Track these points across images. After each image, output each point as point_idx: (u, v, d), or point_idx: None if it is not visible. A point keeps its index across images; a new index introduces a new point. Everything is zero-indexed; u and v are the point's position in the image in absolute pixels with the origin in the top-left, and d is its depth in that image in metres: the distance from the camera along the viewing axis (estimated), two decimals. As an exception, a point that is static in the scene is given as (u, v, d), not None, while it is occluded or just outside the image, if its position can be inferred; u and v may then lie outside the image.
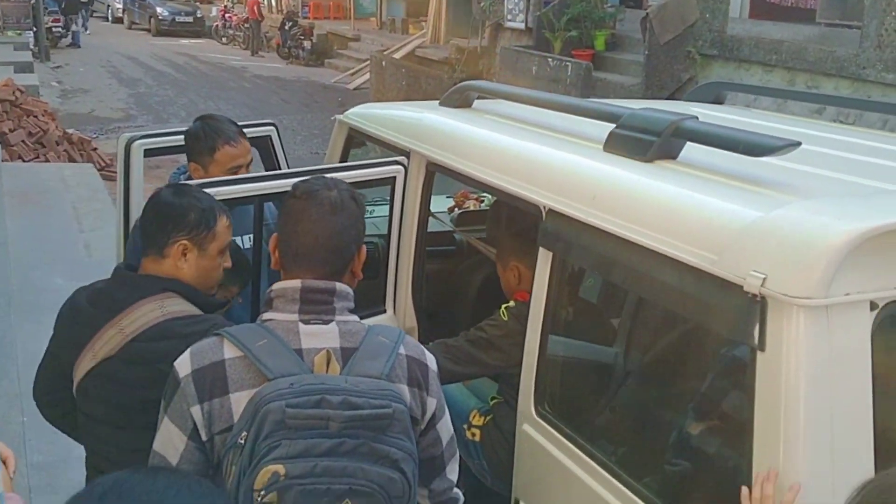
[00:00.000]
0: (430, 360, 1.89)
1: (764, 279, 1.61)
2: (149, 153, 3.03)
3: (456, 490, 2.00)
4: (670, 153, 2.17)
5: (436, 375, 1.88)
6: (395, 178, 2.83)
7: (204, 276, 2.13)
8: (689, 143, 2.16)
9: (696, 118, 2.22)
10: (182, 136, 2.95)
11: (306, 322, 1.78)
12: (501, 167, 2.52)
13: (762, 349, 1.65)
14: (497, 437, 2.73)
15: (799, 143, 1.95)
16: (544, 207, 2.28)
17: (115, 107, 15.14)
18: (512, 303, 2.69)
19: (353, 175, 2.63)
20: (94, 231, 7.22)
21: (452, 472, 1.96)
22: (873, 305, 1.65)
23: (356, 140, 3.42)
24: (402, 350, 1.81)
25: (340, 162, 3.36)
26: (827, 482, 1.65)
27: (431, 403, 1.85)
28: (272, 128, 3.48)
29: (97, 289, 2.14)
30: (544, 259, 2.31)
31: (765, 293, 1.62)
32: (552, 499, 2.35)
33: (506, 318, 2.65)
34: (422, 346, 1.92)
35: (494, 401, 2.82)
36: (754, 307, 1.65)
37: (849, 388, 1.66)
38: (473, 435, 2.82)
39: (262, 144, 3.43)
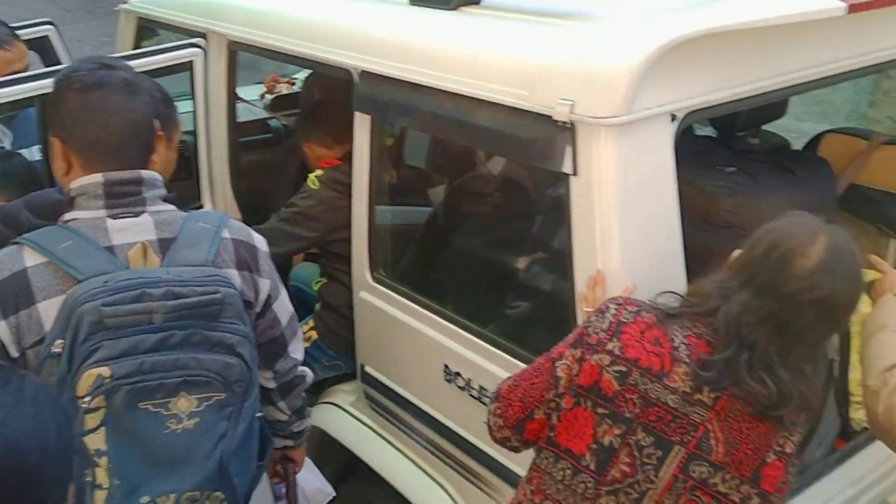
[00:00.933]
0: (259, 241, 1.84)
1: (572, 106, 1.68)
2: None
3: (303, 368, 2.01)
4: (472, -1, 2.17)
5: (266, 256, 1.84)
6: (192, 62, 2.66)
7: None
8: (487, -15, 2.17)
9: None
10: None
11: (114, 217, 1.65)
12: (308, 35, 2.43)
13: (575, 173, 1.74)
14: (332, 318, 2.74)
15: None
16: (356, 70, 2.24)
17: None
18: (319, 171, 2.65)
19: (144, 63, 2.44)
20: None
21: (296, 350, 1.97)
22: (673, 117, 1.76)
23: (147, 31, 3.16)
24: (226, 234, 1.75)
25: (131, 56, 3.11)
26: (644, 294, 1.76)
27: (265, 285, 1.81)
28: (50, 27, 3.15)
29: None
30: (362, 123, 2.29)
31: (573, 119, 1.69)
32: (398, 357, 2.44)
33: (316, 187, 2.61)
34: (248, 228, 1.86)
35: (319, 283, 2.82)
36: (565, 134, 1.72)
37: (657, 198, 1.79)
38: (308, 339, 2.78)
39: (41, 47, 3.10)
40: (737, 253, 1.58)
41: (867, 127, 4.95)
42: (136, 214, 1.67)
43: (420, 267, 2.60)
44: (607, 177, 1.71)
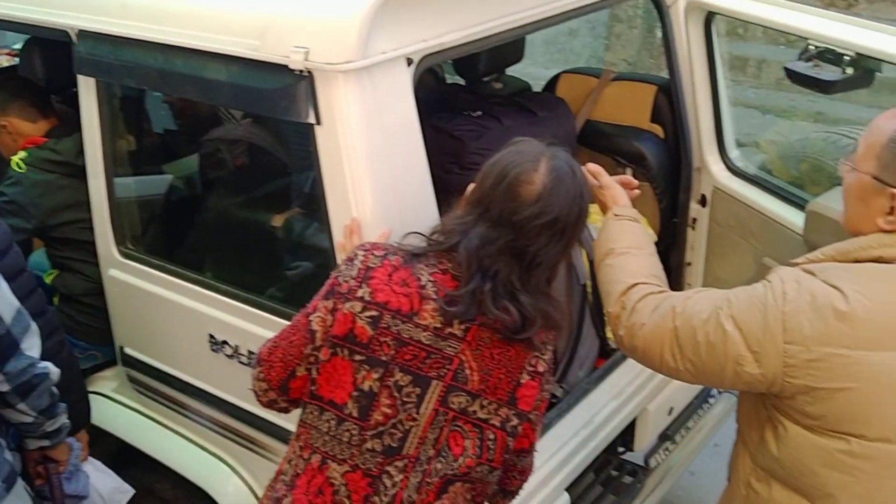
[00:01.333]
0: None
1: (306, 53, 1.64)
2: None
3: (44, 365, 1.88)
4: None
5: None
6: None
7: None
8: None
9: None
10: None
11: None
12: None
13: (319, 122, 1.70)
14: (74, 310, 2.55)
15: None
16: (73, 30, 2.05)
17: None
18: (23, 152, 2.41)
19: None
20: None
21: (32, 347, 1.85)
22: (409, 61, 1.76)
23: None
24: None
25: None
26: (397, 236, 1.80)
27: None
28: None
29: None
30: (86, 87, 2.10)
31: (309, 66, 1.65)
32: (158, 333, 2.31)
33: (23, 170, 2.37)
34: None
35: (51, 276, 2.60)
36: (303, 83, 1.68)
37: (403, 143, 1.80)
38: None
39: None
40: (471, 187, 1.60)
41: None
42: None
43: (171, 237, 2.46)
44: (351, 123, 1.69)
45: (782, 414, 1.55)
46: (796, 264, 1.58)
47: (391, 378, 1.55)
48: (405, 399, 1.55)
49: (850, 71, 1.92)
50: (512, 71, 2.93)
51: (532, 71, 3.05)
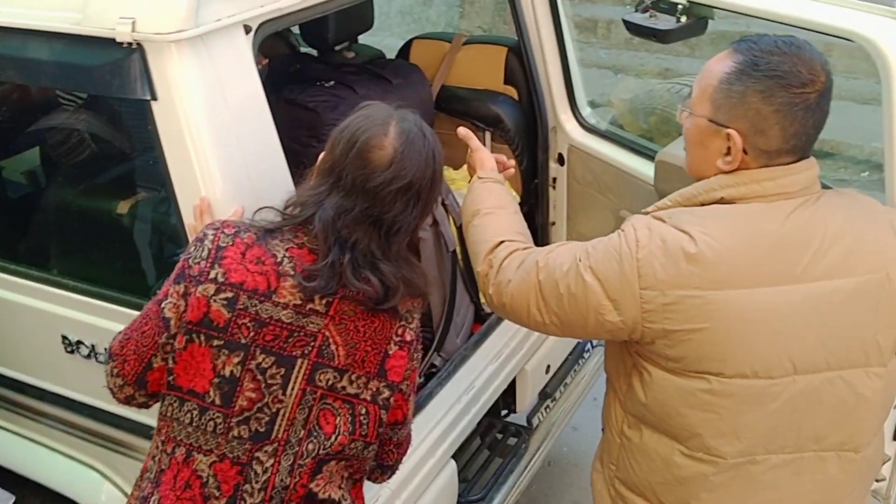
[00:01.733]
0: None
1: (133, 23, 1.55)
2: None
3: None
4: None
5: None
6: None
7: None
8: None
9: None
10: None
11: None
12: None
13: (155, 98, 1.62)
14: None
15: None
16: None
17: None
18: None
19: None
20: None
21: None
22: (247, 28, 1.70)
23: None
24: None
25: None
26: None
27: None
28: None
29: None
30: None
31: (138, 38, 1.56)
32: (7, 340, 2.18)
33: None
34: None
35: None
36: (133, 56, 1.59)
37: (249, 115, 1.73)
38: None
39: None
40: (321, 156, 1.57)
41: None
42: None
43: (10, 236, 2.30)
44: (190, 97, 1.61)
45: (645, 360, 1.58)
46: (647, 213, 1.61)
47: (253, 361, 1.49)
48: (270, 381, 1.50)
49: (684, 19, 1.97)
50: (369, 42, 2.90)
51: (389, 42, 3.03)
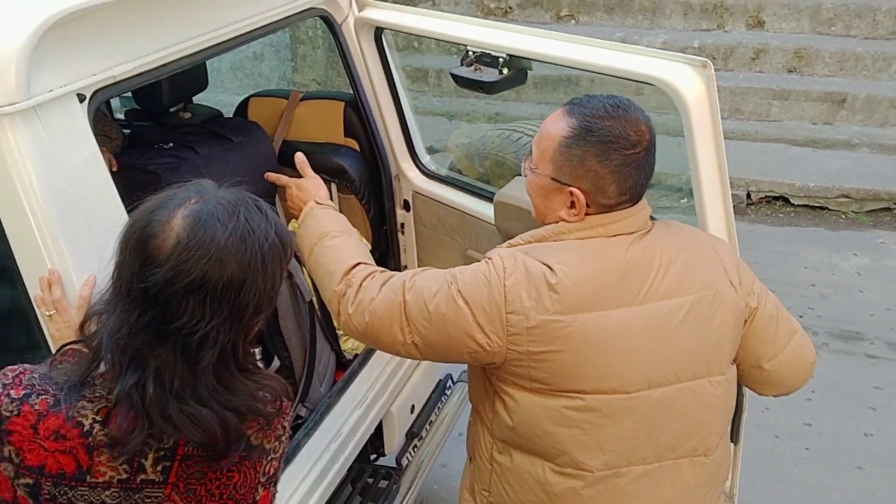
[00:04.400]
0: None
1: (-40, 97, 1.50)
2: None
3: None
4: None
5: None
6: None
7: None
8: None
9: None
10: None
11: None
12: None
13: (-12, 174, 1.57)
14: None
15: None
16: None
17: None
18: None
19: None
20: None
21: None
22: (81, 97, 1.68)
23: None
24: None
25: None
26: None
27: None
28: None
29: None
30: None
31: (-26, 110, 1.51)
32: None
33: None
34: None
35: None
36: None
37: (90, 183, 1.70)
38: None
39: None
40: None
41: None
42: None
43: None
44: (27, 168, 1.57)
45: (507, 385, 1.65)
46: (508, 246, 1.70)
47: None
48: None
49: (506, 71, 2.12)
50: (202, 99, 2.88)
51: (223, 98, 3.04)
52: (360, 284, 1.68)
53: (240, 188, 1.25)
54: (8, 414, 1.19)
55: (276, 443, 1.30)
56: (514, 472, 1.72)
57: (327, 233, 1.81)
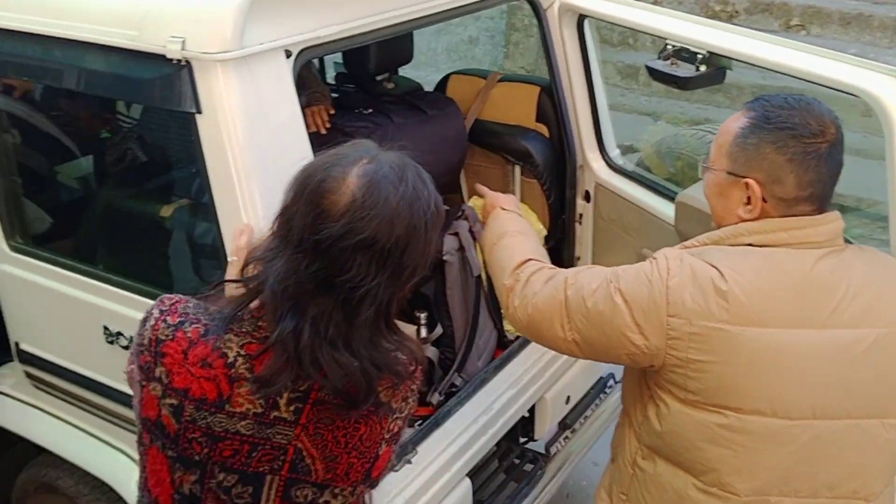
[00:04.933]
0: None
1: (183, 42, 1.68)
2: None
3: None
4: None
5: None
6: None
7: None
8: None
9: None
10: None
11: None
12: None
13: (199, 111, 1.75)
14: None
15: None
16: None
17: None
18: None
19: None
20: None
21: None
22: (288, 53, 1.82)
23: None
24: None
25: None
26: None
27: None
28: None
29: None
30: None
31: (187, 56, 1.69)
32: (53, 328, 2.31)
33: None
34: None
35: None
36: (182, 72, 1.72)
37: (285, 132, 1.84)
38: None
39: None
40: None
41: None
42: None
43: (62, 229, 2.46)
44: (231, 112, 1.73)
45: (663, 391, 1.60)
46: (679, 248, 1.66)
47: (213, 480, 1.27)
48: (237, 500, 1.29)
49: (703, 68, 2.07)
50: (416, 77, 3.01)
51: (434, 77, 3.16)
52: (527, 279, 1.72)
53: (403, 153, 1.29)
54: (164, 338, 1.27)
55: (403, 403, 1.34)
56: (655, 480, 1.69)
57: (507, 232, 1.89)
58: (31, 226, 2.31)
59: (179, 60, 1.70)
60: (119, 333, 2.14)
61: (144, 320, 1.30)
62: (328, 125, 2.56)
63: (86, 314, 2.18)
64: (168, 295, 1.35)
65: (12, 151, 2.27)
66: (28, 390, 2.48)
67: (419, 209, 1.22)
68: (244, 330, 1.26)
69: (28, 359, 2.40)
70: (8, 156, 2.24)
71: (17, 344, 2.41)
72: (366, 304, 1.21)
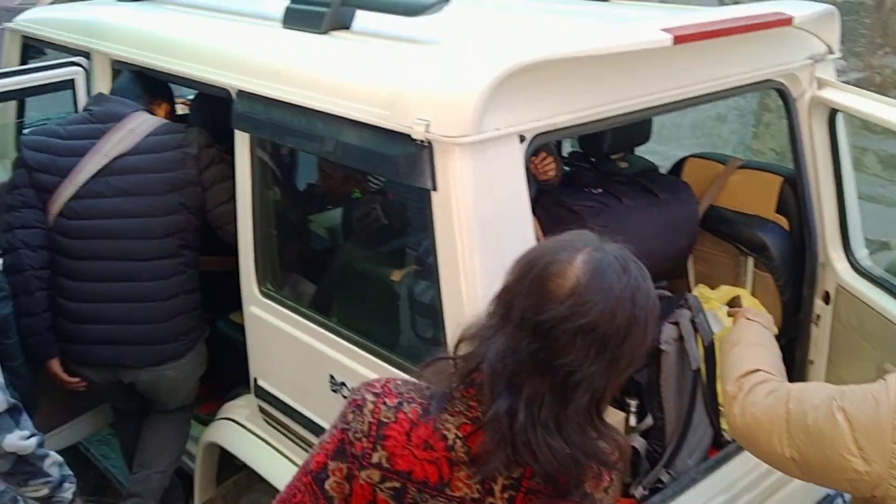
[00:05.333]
0: None
1: (427, 125, 1.79)
2: None
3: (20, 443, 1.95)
4: (342, 23, 2.28)
5: None
6: (73, 81, 2.70)
7: None
8: (358, 10, 2.28)
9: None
10: None
11: None
12: (187, 55, 2.52)
13: (435, 189, 1.84)
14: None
15: (447, 1, 2.13)
16: (234, 89, 2.32)
17: None
18: None
19: (24, 81, 2.51)
20: None
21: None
22: (522, 138, 1.88)
23: (34, 49, 3.19)
24: None
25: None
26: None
27: None
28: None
29: None
30: (241, 141, 2.37)
31: (430, 137, 1.80)
32: (287, 370, 2.49)
33: None
34: None
35: None
36: (423, 152, 1.83)
37: (512, 213, 1.90)
38: None
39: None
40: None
41: (752, 158, 5.23)
42: None
43: (304, 281, 2.67)
44: (464, 192, 1.82)
45: None
46: None
47: None
48: None
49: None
50: (654, 153, 2.99)
51: (676, 153, 3.10)
52: (751, 389, 1.70)
53: (623, 245, 1.32)
54: (386, 420, 1.29)
55: (603, 493, 1.33)
56: None
57: (742, 340, 1.94)
58: (280, 275, 2.53)
59: (422, 141, 1.81)
60: (343, 384, 2.26)
61: (358, 407, 1.33)
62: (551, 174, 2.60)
63: (316, 361, 2.32)
64: (372, 379, 1.39)
65: (272, 206, 2.51)
66: (259, 423, 2.68)
67: (641, 300, 1.25)
68: (457, 409, 1.28)
69: (262, 394, 2.60)
70: (268, 210, 2.48)
71: (255, 379, 2.62)
72: (581, 389, 1.22)
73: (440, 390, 1.30)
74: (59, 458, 2.07)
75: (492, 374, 1.23)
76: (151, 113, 2.67)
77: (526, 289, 1.24)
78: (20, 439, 1.92)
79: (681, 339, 2.42)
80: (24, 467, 1.96)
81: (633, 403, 2.46)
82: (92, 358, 2.66)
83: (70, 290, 2.60)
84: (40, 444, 1.99)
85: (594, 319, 1.20)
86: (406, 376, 1.56)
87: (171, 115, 2.85)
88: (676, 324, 2.40)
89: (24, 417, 1.96)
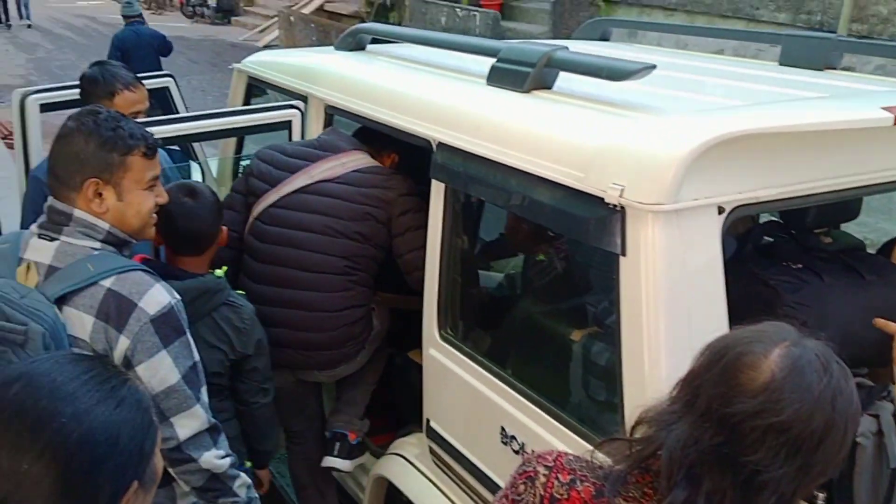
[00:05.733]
0: (146, 303, 1.84)
1: (622, 190, 1.78)
2: (45, 108, 3.06)
3: (198, 454, 1.97)
4: (545, 83, 2.32)
5: (144, 317, 1.84)
6: (290, 122, 2.93)
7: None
8: (562, 72, 2.31)
9: (567, 48, 2.36)
10: (78, 91, 2.98)
11: (39, 236, 1.91)
12: (394, 105, 2.64)
13: (624, 254, 1.82)
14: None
15: (653, 67, 2.12)
16: (434, 140, 2.41)
17: (14, 73, 14.59)
18: None
19: (248, 119, 2.74)
20: (1, 200, 7.05)
21: (182, 426, 1.94)
22: (721, 210, 1.83)
23: (256, 89, 3.48)
24: (105, 282, 1.83)
25: (242, 112, 3.43)
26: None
27: (122, 343, 1.83)
28: (170, 79, 3.54)
29: None
30: (437, 191, 2.45)
31: (623, 203, 1.78)
32: (459, 415, 2.52)
33: None
34: (147, 287, 1.86)
35: None
36: (615, 216, 1.82)
37: (704, 287, 1.85)
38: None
39: (160, 96, 3.47)
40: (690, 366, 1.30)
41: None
42: (51, 239, 1.89)
43: (484, 330, 2.70)
44: (654, 260, 1.78)
45: None
46: None
47: None
48: None
49: None
50: (862, 224, 2.80)
51: (888, 228, 2.89)
52: None
53: (825, 343, 1.23)
54: (559, 497, 1.28)
55: None
56: None
57: None
58: (460, 321, 2.58)
59: (616, 206, 1.80)
60: (513, 437, 2.27)
61: (530, 479, 1.31)
62: None
63: (488, 410, 2.34)
64: (543, 451, 1.37)
65: (459, 254, 2.58)
66: (428, 463, 2.73)
67: (841, 405, 1.18)
68: (631, 495, 1.25)
69: (433, 436, 2.64)
70: (455, 258, 2.54)
71: (427, 420, 2.67)
72: (767, 491, 1.16)
73: (614, 472, 1.26)
74: (248, 481, 2.18)
75: (670, 462, 1.19)
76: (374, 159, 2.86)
77: (715, 377, 1.19)
78: (216, 458, 2.03)
79: (880, 433, 2.23)
80: (216, 485, 2.07)
81: (821, 496, 2.29)
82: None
83: (250, 291, 2.80)
84: (232, 465, 2.10)
85: (788, 419, 1.14)
86: (571, 451, 1.52)
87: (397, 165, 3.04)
88: (877, 416, 2.22)
89: (222, 437, 2.08)
